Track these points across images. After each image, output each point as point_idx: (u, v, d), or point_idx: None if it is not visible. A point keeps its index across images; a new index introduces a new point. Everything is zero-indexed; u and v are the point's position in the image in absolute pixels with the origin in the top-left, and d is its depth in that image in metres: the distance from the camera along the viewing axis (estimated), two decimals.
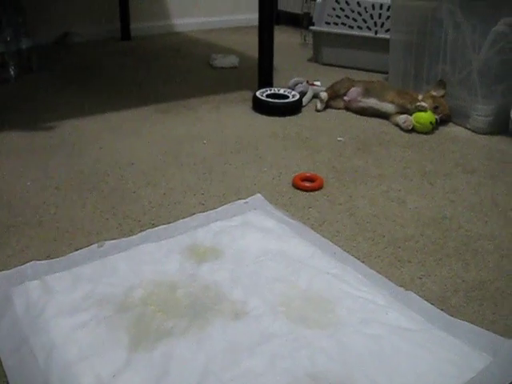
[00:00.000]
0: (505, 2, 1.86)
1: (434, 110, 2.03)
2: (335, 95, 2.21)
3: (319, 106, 2.18)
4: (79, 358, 0.92)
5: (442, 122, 2.07)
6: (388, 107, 2.12)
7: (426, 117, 2.00)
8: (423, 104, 2.02)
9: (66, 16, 3.19)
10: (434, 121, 2.00)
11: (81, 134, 1.87)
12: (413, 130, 2.01)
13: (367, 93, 2.17)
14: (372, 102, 2.15)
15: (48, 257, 1.20)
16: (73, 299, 1.05)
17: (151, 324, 1.00)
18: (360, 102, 2.17)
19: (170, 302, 1.05)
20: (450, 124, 2.12)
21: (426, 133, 2.00)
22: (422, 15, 2.24)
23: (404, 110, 2.07)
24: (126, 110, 2.11)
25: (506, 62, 1.96)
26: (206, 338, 0.97)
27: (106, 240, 1.25)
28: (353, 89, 2.20)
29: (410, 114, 2.04)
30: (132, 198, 1.46)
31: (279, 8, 3.98)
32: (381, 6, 2.72)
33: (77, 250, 1.22)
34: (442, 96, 2.08)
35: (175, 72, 2.68)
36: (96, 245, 1.23)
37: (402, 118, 2.04)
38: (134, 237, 1.27)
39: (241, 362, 0.92)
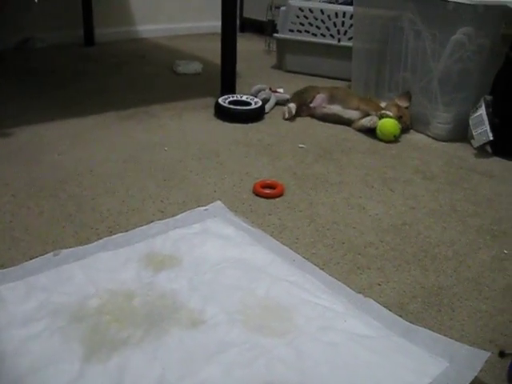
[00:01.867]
0: (462, 12, 1.89)
1: (398, 119, 2.04)
2: (302, 104, 2.21)
3: (287, 115, 2.17)
4: (31, 370, 0.89)
5: (403, 130, 2.08)
6: (352, 114, 2.13)
7: (391, 129, 2.01)
8: (388, 113, 2.03)
9: (27, 21, 3.14)
10: (397, 134, 2.02)
11: (40, 141, 1.84)
12: (375, 137, 2.03)
13: (332, 99, 2.18)
14: (336, 109, 2.16)
15: (2, 266, 1.16)
16: (26, 309, 1.02)
17: (106, 334, 0.98)
18: (324, 108, 2.18)
19: (125, 312, 1.03)
20: (411, 131, 2.14)
21: (387, 141, 2.01)
22: (384, 24, 2.27)
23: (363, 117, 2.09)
24: (88, 117, 2.08)
25: (464, 71, 1.99)
26: (162, 347, 0.96)
27: (62, 248, 1.22)
28: (318, 95, 2.20)
29: None
30: (90, 206, 1.44)
31: (244, 15, 3.99)
32: (344, 14, 2.75)
33: (32, 258, 1.19)
34: (407, 107, 2.10)
35: (138, 78, 2.66)
36: (52, 253, 1.20)
37: (367, 119, 2.06)
38: (90, 245, 1.25)
39: (197, 371, 0.91)
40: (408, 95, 2.12)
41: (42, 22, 3.20)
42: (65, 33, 3.31)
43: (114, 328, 0.99)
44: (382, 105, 2.11)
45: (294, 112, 2.18)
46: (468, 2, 1.86)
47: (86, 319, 1.01)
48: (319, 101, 2.19)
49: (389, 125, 2.02)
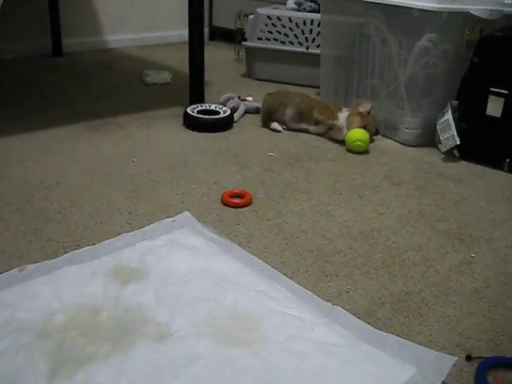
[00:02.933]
0: (427, 19, 1.91)
1: (363, 128, 2.02)
2: (274, 119, 2.19)
3: (280, 130, 2.17)
4: None
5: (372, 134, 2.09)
6: (316, 129, 2.14)
7: (358, 146, 1.98)
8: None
9: None
10: (367, 147, 2.00)
11: (5, 153, 1.81)
12: (344, 144, 2.03)
13: (298, 117, 2.16)
14: (303, 126, 2.16)
15: None
16: None
17: (72, 350, 0.96)
18: (293, 125, 2.17)
19: (92, 327, 1.02)
20: (380, 137, 2.15)
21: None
22: (351, 31, 2.28)
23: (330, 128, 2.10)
24: (55, 128, 2.06)
25: (430, 77, 2.01)
26: (128, 362, 0.95)
27: (27, 263, 1.20)
28: (287, 110, 2.17)
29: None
30: (56, 219, 1.42)
31: (214, 24, 4.00)
32: (312, 22, 2.76)
33: None
34: (369, 112, 2.07)
35: (107, 88, 2.64)
36: (17, 269, 1.18)
37: (334, 132, 2.07)
38: (57, 259, 1.23)
39: None
40: (368, 102, 2.10)
41: (9, 33, 3.16)
42: (33, 43, 3.27)
43: (79, 344, 0.98)
44: (344, 113, 2.09)
45: (280, 128, 2.17)
46: (432, 9, 1.88)
47: (51, 335, 0.99)
48: (289, 116, 2.17)
49: (358, 144, 1.98)
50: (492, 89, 1.87)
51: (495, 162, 1.91)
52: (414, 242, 1.41)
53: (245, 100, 2.37)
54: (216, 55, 3.44)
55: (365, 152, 2.00)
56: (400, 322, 1.11)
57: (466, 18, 1.91)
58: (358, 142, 1.98)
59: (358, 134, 1.98)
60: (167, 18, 3.81)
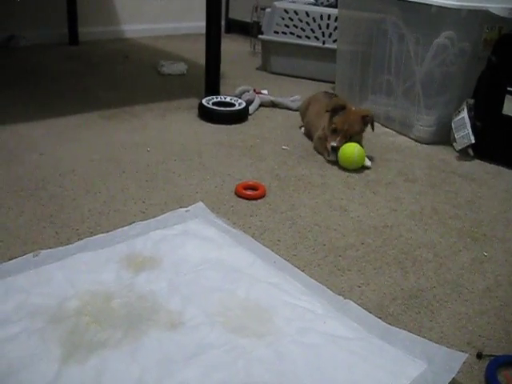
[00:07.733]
0: (445, 16, 1.90)
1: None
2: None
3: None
4: (8, 372, 0.88)
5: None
6: None
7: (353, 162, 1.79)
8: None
9: (11, 18, 3.12)
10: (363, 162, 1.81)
11: (21, 140, 1.82)
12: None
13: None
14: None
15: None
16: (3, 311, 1.02)
17: (85, 335, 0.97)
18: None
19: (105, 313, 1.03)
20: (394, 133, 2.15)
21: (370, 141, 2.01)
22: (368, 26, 2.28)
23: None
24: (70, 116, 2.07)
25: (447, 74, 2.00)
26: (140, 349, 0.95)
27: (42, 249, 1.21)
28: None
29: None
30: (71, 206, 1.43)
31: (230, 16, 4.00)
32: (329, 17, 2.75)
33: (11, 259, 1.18)
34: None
35: (122, 78, 2.65)
36: (31, 254, 1.19)
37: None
38: (70, 246, 1.24)
39: (176, 373, 0.91)
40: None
41: (26, 20, 3.18)
42: (49, 31, 3.29)
43: (92, 329, 0.99)
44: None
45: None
46: (451, 6, 1.87)
47: (64, 320, 1.00)
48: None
49: (351, 160, 1.79)
50: (509, 88, 1.86)
51: (510, 162, 1.90)
52: (427, 239, 1.41)
53: (260, 93, 2.38)
54: (232, 48, 3.44)
55: (375, 142, 1.99)
56: (411, 318, 1.11)
57: (484, 16, 1.90)
58: (351, 157, 1.77)
59: (347, 151, 1.78)
60: (184, 8, 3.82)
